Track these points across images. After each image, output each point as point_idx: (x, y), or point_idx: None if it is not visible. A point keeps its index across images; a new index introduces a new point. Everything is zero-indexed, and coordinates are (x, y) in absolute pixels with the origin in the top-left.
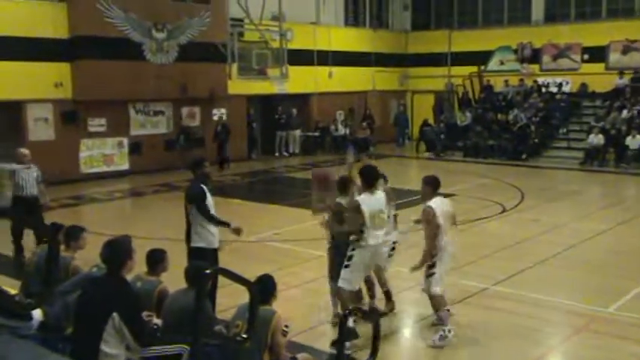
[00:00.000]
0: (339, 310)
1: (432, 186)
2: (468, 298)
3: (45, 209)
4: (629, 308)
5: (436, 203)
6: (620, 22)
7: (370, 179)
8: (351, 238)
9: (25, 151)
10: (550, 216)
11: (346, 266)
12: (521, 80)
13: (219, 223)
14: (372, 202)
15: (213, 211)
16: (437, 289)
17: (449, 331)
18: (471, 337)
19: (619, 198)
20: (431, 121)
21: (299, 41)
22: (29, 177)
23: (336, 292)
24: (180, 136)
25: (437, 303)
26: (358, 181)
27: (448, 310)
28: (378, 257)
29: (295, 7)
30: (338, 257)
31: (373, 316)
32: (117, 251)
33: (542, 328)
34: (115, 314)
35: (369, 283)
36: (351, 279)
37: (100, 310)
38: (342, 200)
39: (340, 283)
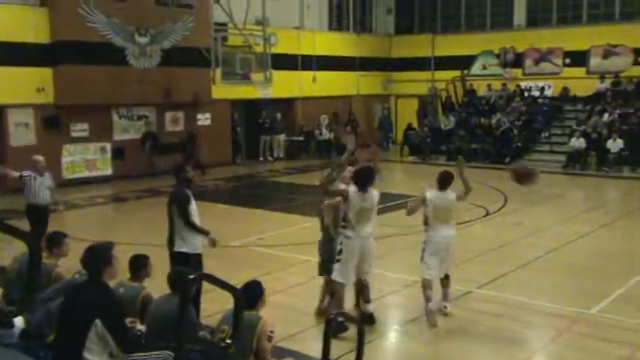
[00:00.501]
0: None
1: (437, 181)
2: (452, 302)
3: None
4: (611, 310)
5: (432, 194)
6: (600, 26)
7: (364, 179)
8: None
9: (39, 157)
10: (533, 219)
11: (337, 260)
12: (504, 84)
13: (198, 230)
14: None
15: (196, 217)
16: (423, 274)
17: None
18: (455, 341)
19: (600, 201)
20: (415, 125)
21: (283, 46)
22: (42, 184)
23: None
24: (147, 142)
25: (422, 287)
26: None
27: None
28: (365, 251)
29: (279, 12)
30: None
31: (358, 320)
32: (95, 257)
33: (525, 331)
34: (97, 321)
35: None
36: (344, 272)
37: (81, 316)
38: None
39: (334, 276)
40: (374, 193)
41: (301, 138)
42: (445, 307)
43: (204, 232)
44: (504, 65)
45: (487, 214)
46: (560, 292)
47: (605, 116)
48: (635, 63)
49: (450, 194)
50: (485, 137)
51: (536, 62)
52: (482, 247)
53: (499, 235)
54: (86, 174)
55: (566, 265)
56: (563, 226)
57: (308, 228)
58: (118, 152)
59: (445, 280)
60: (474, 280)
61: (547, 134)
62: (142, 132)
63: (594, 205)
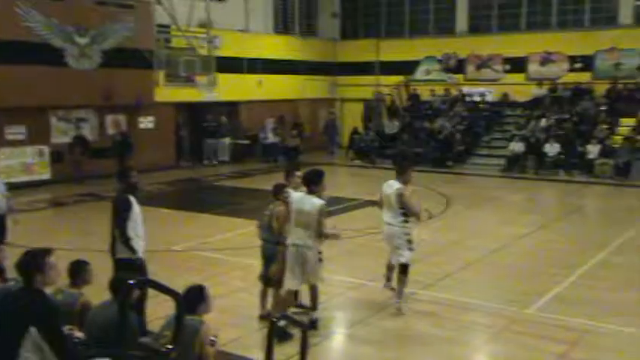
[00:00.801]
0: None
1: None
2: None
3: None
4: (548, 309)
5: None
6: (538, 34)
7: (312, 181)
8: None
9: None
10: (474, 221)
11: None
12: (447, 90)
13: (128, 245)
14: (303, 202)
15: (140, 224)
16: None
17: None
18: (398, 341)
19: (538, 203)
20: (360, 129)
21: (228, 49)
22: None
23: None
24: (75, 147)
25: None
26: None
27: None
28: (301, 258)
29: (224, 14)
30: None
31: (303, 324)
32: (27, 263)
33: (466, 331)
34: (32, 329)
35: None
36: (288, 277)
37: (14, 324)
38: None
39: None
40: (315, 200)
41: (246, 141)
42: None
43: (132, 250)
44: (447, 71)
45: (430, 216)
46: (499, 292)
47: (543, 121)
48: (571, 70)
49: (394, 185)
50: (429, 141)
51: (478, 68)
52: (425, 249)
53: (441, 238)
54: (23, 178)
55: (506, 265)
56: (503, 228)
57: (252, 232)
58: (57, 156)
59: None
60: (417, 281)
61: (488, 139)
62: (72, 136)
63: (532, 207)
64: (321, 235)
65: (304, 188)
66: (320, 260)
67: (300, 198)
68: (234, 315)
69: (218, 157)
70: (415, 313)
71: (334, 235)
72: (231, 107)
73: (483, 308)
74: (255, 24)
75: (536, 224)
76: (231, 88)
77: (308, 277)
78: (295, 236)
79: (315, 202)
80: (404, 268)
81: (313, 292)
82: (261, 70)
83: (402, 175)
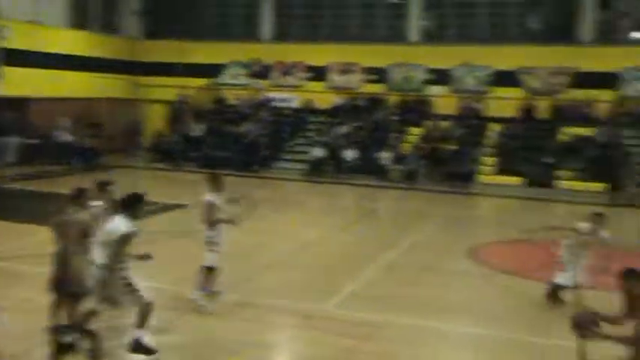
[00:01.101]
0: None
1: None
2: (200, 308)
3: None
4: (343, 306)
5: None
6: (338, 45)
7: (130, 206)
8: None
9: None
10: (278, 224)
11: None
12: (252, 95)
13: None
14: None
15: None
16: None
17: None
18: (199, 346)
19: (337, 206)
20: (164, 131)
21: (18, 41)
22: None
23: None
24: None
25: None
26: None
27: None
28: (101, 280)
29: (15, 4)
30: None
31: (93, 337)
32: None
33: (265, 330)
34: None
35: None
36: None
37: None
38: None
39: None
40: (121, 225)
41: (37, 141)
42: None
43: None
44: (253, 76)
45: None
46: (299, 292)
47: (343, 128)
48: (368, 81)
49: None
50: (235, 145)
51: (282, 75)
52: (228, 252)
53: (245, 241)
54: None
55: (306, 266)
56: (305, 230)
57: (44, 239)
58: None
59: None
60: (222, 283)
61: (292, 144)
62: None
63: (332, 209)
64: (118, 260)
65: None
66: (126, 285)
67: (111, 218)
68: (22, 329)
69: (4, 158)
70: (220, 316)
71: (145, 256)
72: (19, 103)
73: (283, 307)
74: (48, 16)
75: (336, 226)
76: (20, 82)
77: (107, 298)
78: (97, 254)
79: (120, 228)
80: (208, 271)
81: (140, 310)
82: (55, 66)
83: (214, 186)
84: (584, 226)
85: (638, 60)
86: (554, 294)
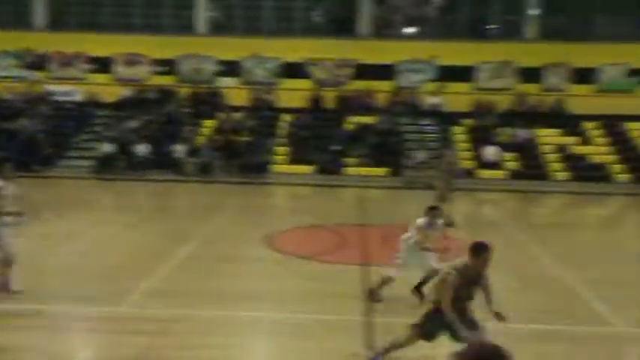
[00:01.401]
0: None
1: None
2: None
3: None
4: (138, 304)
5: None
6: (122, 36)
7: None
8: None
9: None
10: (65, 226)
11: None
12: (29, 88)
13: None
14: None
15: None
16: None
17: None
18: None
19: (129, 203)
20: None
21: None
22: None
23: None
24: None
25: None
26: None
27: None
28: None
29: None
30: None
31: None
32: None
33: (56, 338)
34: None
35: None
36: None
37: None
38: None
39: None
40: None
41: None
42: None
43: None
44: (28, 67)
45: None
46: (92, 295)
47: (132, 122)
48: (156, 73)
49: None
50: (10, 143)
51: (62, 66)
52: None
53: (31, 247)
54: None
55: (98, 267)
56: (97, 230)
57: None
58: None
59: None
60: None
61: (78, 140)
62: None
63: (124, 207)
64: None
65: None
66: None
67: None
68: None
69: None
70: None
71: None
72: None
73: (76, 313)
74: None
75: (128, 224)
76: None
77: None
78: None
79: None
80: None
81: None
82: None
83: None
84: (421, 221)
85: (411, 53)
86: (384, 284)
